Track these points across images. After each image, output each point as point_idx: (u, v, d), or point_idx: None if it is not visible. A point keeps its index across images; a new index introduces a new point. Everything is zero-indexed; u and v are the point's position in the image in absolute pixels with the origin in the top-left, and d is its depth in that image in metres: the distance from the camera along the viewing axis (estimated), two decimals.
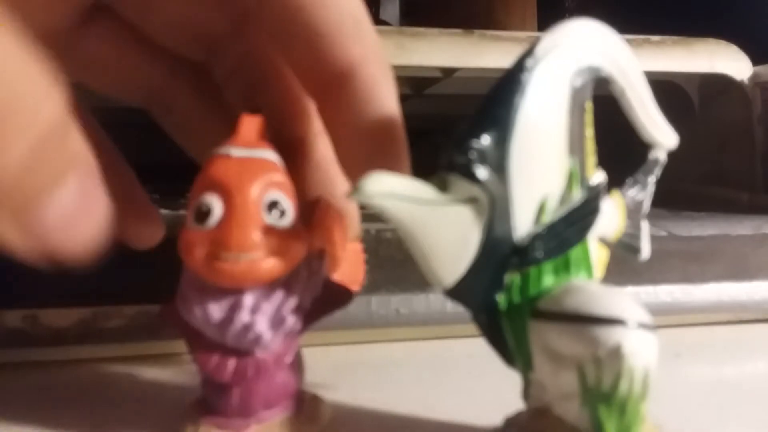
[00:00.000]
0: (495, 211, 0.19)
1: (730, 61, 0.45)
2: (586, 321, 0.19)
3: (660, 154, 0.24)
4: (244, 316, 0.22)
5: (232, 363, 0.22)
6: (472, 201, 0.19)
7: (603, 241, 0.23)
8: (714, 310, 0.38)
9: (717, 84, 0.44)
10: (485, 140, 0.19)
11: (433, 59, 0.41)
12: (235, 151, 0.21)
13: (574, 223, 0.20)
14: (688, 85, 0.48)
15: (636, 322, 0.19)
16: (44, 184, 0.15)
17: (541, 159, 0.20)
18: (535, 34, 0.42)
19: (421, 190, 0.19)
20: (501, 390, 0.24)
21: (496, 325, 0.21)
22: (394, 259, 0.35)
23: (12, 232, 0.15)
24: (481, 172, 0.19)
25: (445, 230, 0.19)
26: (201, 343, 0.22)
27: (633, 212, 0.25)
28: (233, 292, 0.22)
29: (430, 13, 0.74)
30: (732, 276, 0.38)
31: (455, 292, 0.20)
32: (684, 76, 0.46)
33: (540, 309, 0.20)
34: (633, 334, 0.19)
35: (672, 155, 0.24)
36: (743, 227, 0.39)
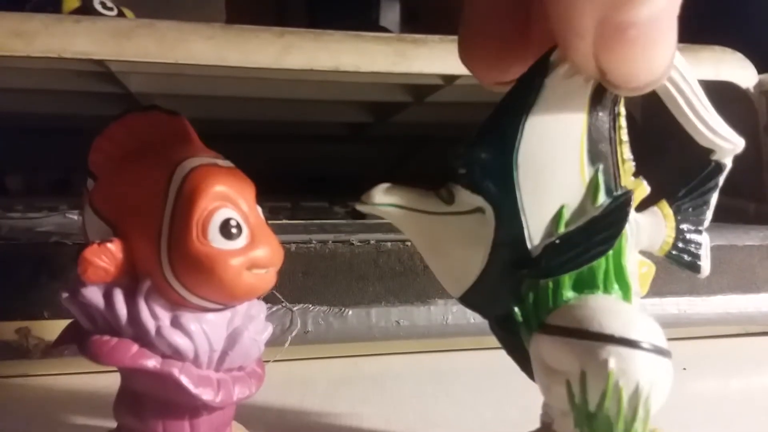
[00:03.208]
0: (502, 221, 0.19)
1: (735, 69, 0.45)
2: (578, 335, 0.18)
3: (722, 160, 0.22)
4: (249, 331, 0.22)
5: (225, 384, 0.22)
6: (477, 211, 0.19)
7: (648, 255, 0.22)
8: (721, 322, 0.38)
9: (722, 92, 0.44)
10: (487, 151, 0.19)
11: (434, 66, 0.41)
12: (220, 162, 0.21)
13: (595, 234, 0.19)
14: None
15: (633, 341, 0.18)
16: None
17: (553, 168, 0.19)
18: None
19: (428, 201, 0.19)
20: (503, 404, 0.23)
21: (514, 337, 0.20)
22: (394, 270, 0.34)
23: None
24: (482, 183, 0.19)
25: (451, 240, 0.19)
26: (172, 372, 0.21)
27: (688, 224, 0.23)
28: (217, 311, 0.21)
29: (431, 19, 0.74)
30: (739, 288, 0.38)
31: (470, 302, 0.20)
32: None
33: (546, 322, 0.19)
34: (624, 351, 0.18)
35: (706, 162, 0.23)
36: (750, 238, 0.39)
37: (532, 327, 0.20)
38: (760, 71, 0.46)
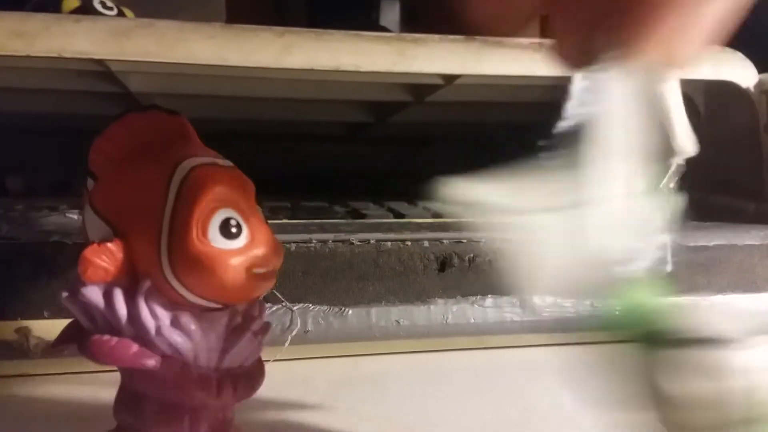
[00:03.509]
0: (593, 218, 0.18)
1: (735, 69, 0.45)
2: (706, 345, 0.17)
3: (674, 161, 0.22)
4: (249, 331, 0.22)
5: (225, 384, 0.22)
6: (569, 207, 0.18)
7: None
8: None
9: (723, 91, 0.44)
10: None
11: (434, 66, 0.41)
12: (220, 162, 0.21)
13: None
14: (694, 92, 0.47)
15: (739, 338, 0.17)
16: None
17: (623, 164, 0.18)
18: (537, 40, 0.42)
19: (513, 197, 0.18)
20: (503, 404, 0.23)
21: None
22: (394, 270, 0.34)
23: None
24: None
25: (539, 239, 0.18)
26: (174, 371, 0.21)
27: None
28: (217, 310, 0.21)
29: (431, 19, 0.74)
30: (739, 287, 0.38)
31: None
32: (689, 83, 0.46)
33: (661, 334, 0.17)
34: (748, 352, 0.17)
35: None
36: (750, 237, 0.39)
37: (634, 339, 0.18)
38: (760, 71, 0.46)
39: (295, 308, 0.33)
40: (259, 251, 0.21)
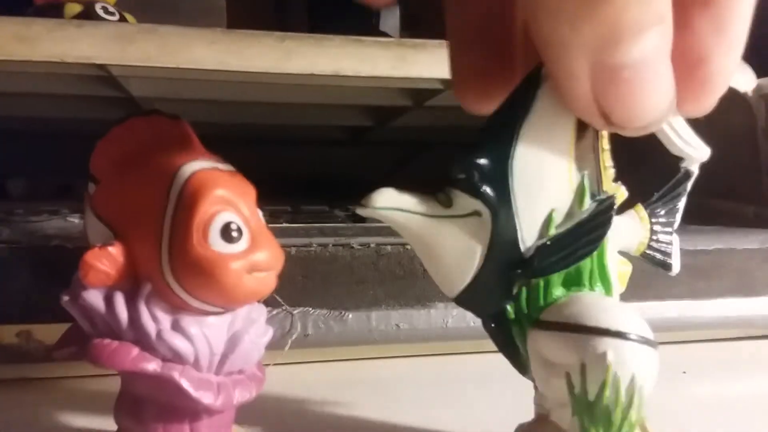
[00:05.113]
0: (498, 224, 0.20)
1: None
2: (576, 330, 0.20)
3: (690, 167, 0.24)
4: (250, 335, 0.22)
5: (225, 388, 0.22)
6: (474, 215, 0.20)
7: (625, 255, 0.23)
8: (720, 325, 0.38)
9: (721, 96, 0.44)
10: (485, 158, 0.20)
11: (434, 71, 0.41)
12: (221, 166, 0.21)
13: (582, 236, 0.20)
14: None
15: (627, 334, 0.19)
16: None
17: (545, 175, 0.20)
18: None
19: (427, 205, 0.20)
20: (503, 407, 0.23)
21: (506, 333, 0.21)
22: (394, 273, 0.34)
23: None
24: (482, 188, 0.20)
25: (449, 242, 0.20)
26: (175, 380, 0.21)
27: (661, 226, 0.25)
28: (218, 314, 0.21)
29: (431, 24, 0.74)
30: (738, 291, 0.38)
31: (464, 301, 0.21)
32: None
33: (540, 318, 0.20)
34: (620, 344, 0.19)
35: (676, 169, 0.24)
36: (749, 241, 0.39)
37: (524, 324, 0.21)
38: (758, 75, 0.46)
39: (295, 312, 0.33)
40: (259, 255, 0.21)
